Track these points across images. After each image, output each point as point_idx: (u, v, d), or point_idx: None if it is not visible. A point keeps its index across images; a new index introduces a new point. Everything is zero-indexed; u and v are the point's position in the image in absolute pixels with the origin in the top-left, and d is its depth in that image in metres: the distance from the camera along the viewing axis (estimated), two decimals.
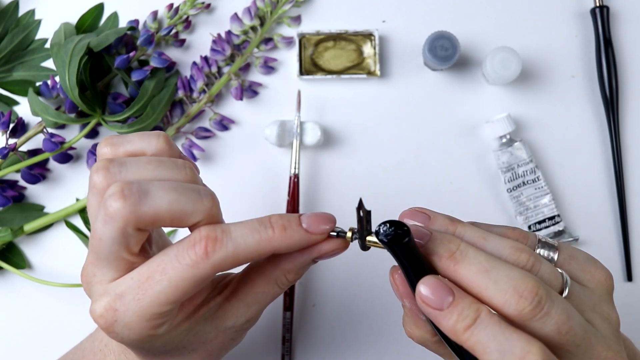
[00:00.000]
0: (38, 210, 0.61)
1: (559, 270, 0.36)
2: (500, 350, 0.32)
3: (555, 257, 0.38)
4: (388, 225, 0.34)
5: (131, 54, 0.58)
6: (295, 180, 0.59)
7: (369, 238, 0.37)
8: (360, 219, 0.36)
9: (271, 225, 0.36)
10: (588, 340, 0.34)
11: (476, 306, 0.33)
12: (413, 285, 0.35)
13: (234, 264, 0.36)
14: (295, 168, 0.59)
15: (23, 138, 0.59)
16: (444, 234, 0.36)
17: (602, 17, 0.62)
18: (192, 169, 0.38)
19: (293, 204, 0.59)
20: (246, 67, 0.63)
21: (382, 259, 0.60)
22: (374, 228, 0.35)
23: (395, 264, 0.36)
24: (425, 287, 0.34)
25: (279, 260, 0.39)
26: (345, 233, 0.38)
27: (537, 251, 0.38)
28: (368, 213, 0.36)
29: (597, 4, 0.62)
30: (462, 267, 0.34)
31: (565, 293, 0.35)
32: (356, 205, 0.36)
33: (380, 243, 0.35)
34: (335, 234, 0.38)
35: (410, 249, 0.34)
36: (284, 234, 0.36)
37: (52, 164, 0.62)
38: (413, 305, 0.36)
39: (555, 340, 0.33)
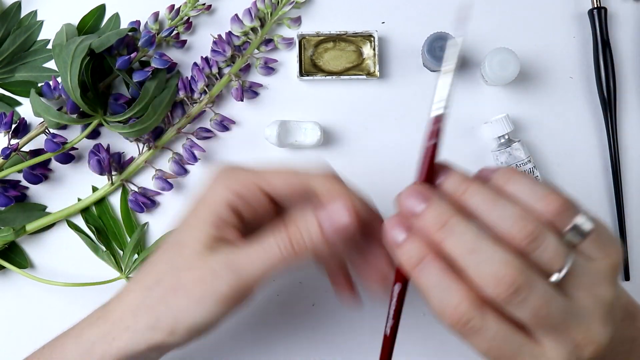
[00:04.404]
0: (40, 210, 0.61)
1: (564, 251, 0.34)
2: (439, 297, 0.34)
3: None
4: None
5: (132, 55, 0.58)
6: None
7: None
8: None
9: None
10: (565, 324, 0.34)
11: (423, 251, 0.35)
12: None
13: None
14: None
15: (25, 138, 0.59)
16: (440, 202, 0.36)
17: (599, 18, 0.62)
18: None
19: None
20: (246, 68, 0.63)
21: None
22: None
23: None
24: (387, 222, 0.37)
25: None
26: None
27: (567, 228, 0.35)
28: None
29: (595, 5, 0.63)
30: (448, 243, 0.35)
31: (562, 274, 0.34)
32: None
33: None
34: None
35: None
36: None
37: (54, 164, 0.62)
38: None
39: (531, 323, 0.34)
